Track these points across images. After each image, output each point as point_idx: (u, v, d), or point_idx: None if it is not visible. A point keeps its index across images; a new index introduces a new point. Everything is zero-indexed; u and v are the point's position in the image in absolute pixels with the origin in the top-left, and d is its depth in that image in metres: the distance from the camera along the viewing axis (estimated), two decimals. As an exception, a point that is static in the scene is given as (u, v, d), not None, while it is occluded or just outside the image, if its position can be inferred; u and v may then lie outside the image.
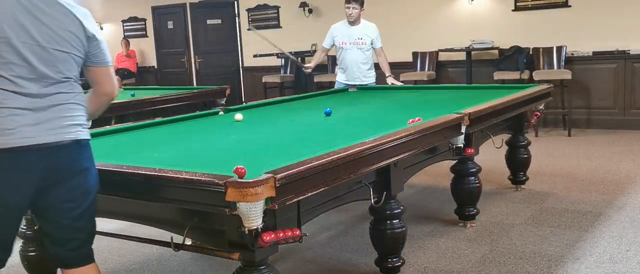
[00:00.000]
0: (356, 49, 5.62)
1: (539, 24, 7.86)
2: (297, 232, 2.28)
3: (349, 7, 5.53)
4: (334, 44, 5.77)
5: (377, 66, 5.83)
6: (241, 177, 2.02)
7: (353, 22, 5.60)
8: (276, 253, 2.40)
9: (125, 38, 11.59)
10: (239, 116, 3.99)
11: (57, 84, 2.12)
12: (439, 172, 5.23)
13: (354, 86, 5.63)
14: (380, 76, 5.95)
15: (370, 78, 5.75)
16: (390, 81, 5.74)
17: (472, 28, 8.23)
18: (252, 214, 2.02)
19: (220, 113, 4.24)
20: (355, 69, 5.67)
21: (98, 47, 2.26)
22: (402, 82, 6.25)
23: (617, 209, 4.27)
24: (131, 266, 3.65)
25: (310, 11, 9.73)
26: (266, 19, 10.38)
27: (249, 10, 10.53)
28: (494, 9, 8.16)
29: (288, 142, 3.09)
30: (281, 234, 2.20)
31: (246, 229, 2.06)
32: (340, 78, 5.82)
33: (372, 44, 5.64)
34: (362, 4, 5.58)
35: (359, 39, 5.61)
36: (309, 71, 6.11)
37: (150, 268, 3.63)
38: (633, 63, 7.30)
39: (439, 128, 3.24)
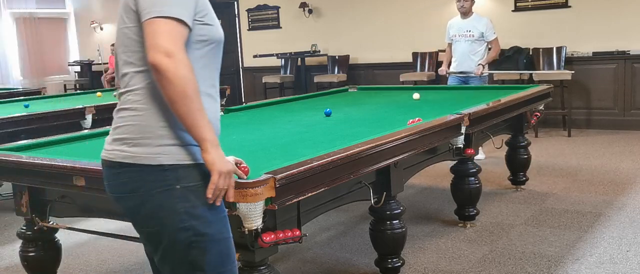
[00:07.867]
0: (464, 40, 5.93)
1: (539, 24, 7.86)
2: (297, 232, 2.28)
3: (459, 1, 5.91)
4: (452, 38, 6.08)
5: None
6: (241, 178, 2.02)
7: (465, 15, 5.95)
8: (276, 253, 2.41)
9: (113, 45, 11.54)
10: (416, 95, 4.56)
11: None
12: (439, 173, 5.23)
13: (464, 74, 5.92)
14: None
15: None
16: (478, 69, 5.87)
17: (472, 28, 8.22)
18: (252, 214, 2.02)
19: (220, 113, 4.23)
20: (464, 60, 5.95)
21: None
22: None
23: (617, 209, 4.26)
24: (131, 266, 3.65)
25: (310, 11, 9.73)
26: (266, 19, 10.39)
27: (249, 10, 10.54)
28: (494, 9, 8.15)
29: (288, 142, 3.09)
30: (281, 235, 2.20)
31: (246, 229, 2.06)
32: (452, 67, 6.09)
33: (482, 36, 5.88)
34: None
35: (467, 31, 5.91)
36: (444, 71, 6.18)
37: (150, 268, 3.62)
38: (633, 63, 7.30)
39: (439, 128, 3.24)
